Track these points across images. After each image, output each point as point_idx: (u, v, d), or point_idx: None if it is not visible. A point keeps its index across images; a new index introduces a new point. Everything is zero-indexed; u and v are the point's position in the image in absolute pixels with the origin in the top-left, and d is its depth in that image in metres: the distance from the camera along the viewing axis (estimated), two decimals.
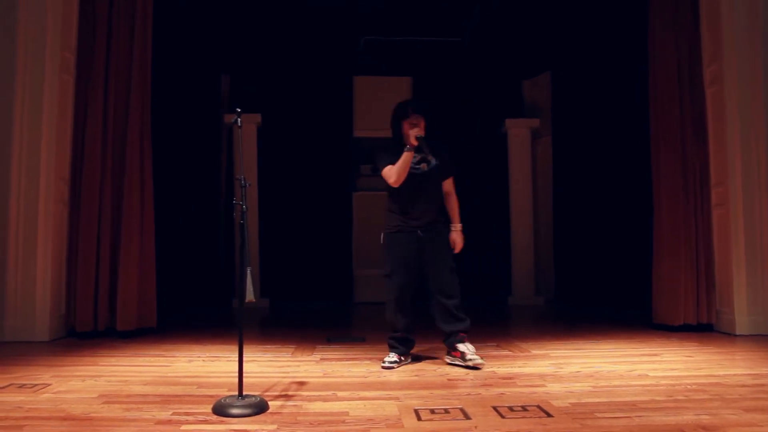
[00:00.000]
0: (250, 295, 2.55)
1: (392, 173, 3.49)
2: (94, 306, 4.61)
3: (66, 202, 4.72)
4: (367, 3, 6.66)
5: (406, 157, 3.43)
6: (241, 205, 2.61)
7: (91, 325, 4.58)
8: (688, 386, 2.92)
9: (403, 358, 3.56)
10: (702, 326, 4.91)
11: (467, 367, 3.39)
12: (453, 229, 3.64)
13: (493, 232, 8.01)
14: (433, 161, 3.57)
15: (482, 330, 5.33)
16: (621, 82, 6.75)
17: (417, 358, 3.72)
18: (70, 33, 4.76)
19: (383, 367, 3.44)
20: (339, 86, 8.23)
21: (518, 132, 8.14)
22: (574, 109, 7.66)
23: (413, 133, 3.47)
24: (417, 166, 3.54)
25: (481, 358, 3.42)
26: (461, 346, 3.48)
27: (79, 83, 4.80)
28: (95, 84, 4.76)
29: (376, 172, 3.71)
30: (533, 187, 8.16)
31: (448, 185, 3.70)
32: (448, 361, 3.57)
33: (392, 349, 3.57)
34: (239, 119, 2.73)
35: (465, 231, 3.68)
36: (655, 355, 3.87)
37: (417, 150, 3.49)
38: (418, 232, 3.52)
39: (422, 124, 3.54)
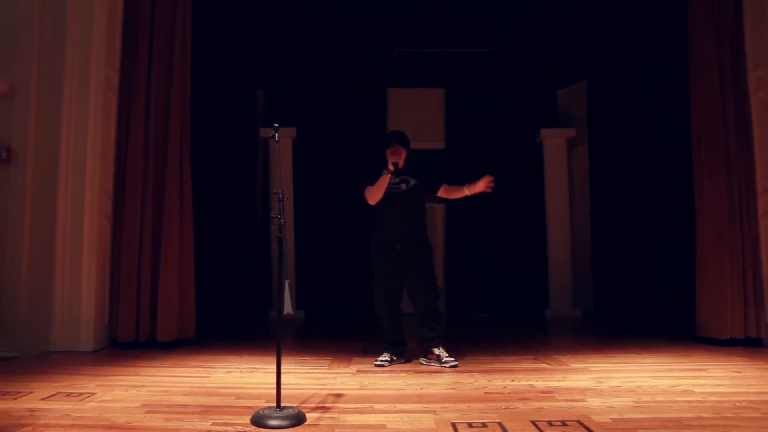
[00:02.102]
0: (288, 308, 2.58)
1: (369, 193, 3.99)
2: (136, 317, 4.72)
3: (109, 216, 4.86)
4: (399, 15, 6.71)
5: (381, 180, 3.91)
6: (279, 219, 2.65)
7: (132, 335, 4.69)
8: (737, 403, 2.81)
9: (395, 358, 3.98)
10: (750, 340, 4.72)
11: (444, 365, 3.81)
12: (469, 187, 3.95)
13: (529, 243, 7.91)
14: (412, 181, 4.02)
15: (519, 343, 5.27)
16: (659, 89, 6.60)
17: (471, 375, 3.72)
18: (113, 52, 4.93)
19: (376, 365, 3.84)
20: (373, 99, 8.29)
21: (554, 142, 8.05)
22: (610, 118, 7.52)
23: (392, 160, 3.92)
24: (397, 186, 3.99)
25: (455, 360, 3.83)
26: (436, 350, 3.91)
27: (122, 101, 4.96)
28: (137, 101, 4.91)
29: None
30: (570, 197, 8.04)
31: (444, 189, 4.12)
32: (423, 362, 3.95)
33: (385, 350, 3.99)
34: (276, 134, 2.79)
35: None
36: (701, 370, 3.75)
37: (395, 174, 3.94)
38: (397, 246, 3.94)
39: (402, 153, 3.97)
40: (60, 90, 4.67)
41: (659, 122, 6.62)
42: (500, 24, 6.83)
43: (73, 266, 4.58)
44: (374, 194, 3.95)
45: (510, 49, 7.39)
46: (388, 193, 3.94)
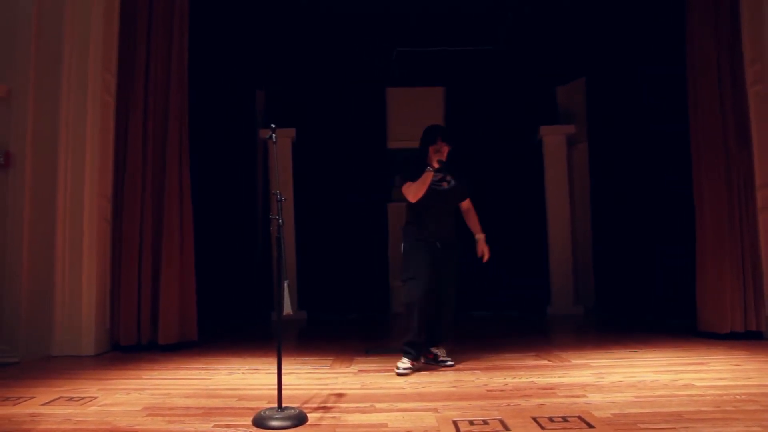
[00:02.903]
0: (287, 308, 2.59)
1: (411, 189, 3.80)
2: (137, 320, 4.73)
3: (109, 220, 4.87)
4: (398, 15, 6.71)
5: (425, 177, 3.72)
6: (278, 220, 2.65)
7: (134, 339, 4.70)
8: (737, 396, 2.81)
9: (415, 363, 3.74)
10: (751, 334, 4.72)
11: (439, 365, 3.82)
12: (478, 239, 3.96)
13: (530, 241, 7.91)
14: (453, 182, 3.92)
15: (520, 340, 5.27)
16: (658, 85, 6.59)
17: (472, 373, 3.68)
18: (110, 55, 4.93)
19: (398, 374, 3.57)
20: (372, 98, 8.28)
21: (553, 139, 8.04)
22: (610, 115, 7.51)
23: (436, 158, 3.81)
24: (439, 184, 3.86)
25: (452, 361, 3.85)
26: (434, 349, 3.90)
27: (119, 104, 4.96)
28: (135, 104, 4.92)
29: (394, 185, 3.97)
30: (570, 194, 8.03)
31: (467, 204, 4.08)
32: (422, 361, 3.87)
33: (406, 354, 3.70)
34: (274, 135, 2.79)
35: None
36: (701, 364, 3.75)
37: (438, 172, 3.81)
38: (437, 244, 3.81)
39: (446, 150, 3.88)
40: (57, 94, 4.67)
41: (658, 119, 6.61)
42: (500, 22, 6.83)
43: (73, 270, 4.58)
44: (417, 191, 3.76)
45: (509, 47, 7.39)
46: (431, 191, 3.79)
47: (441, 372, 3.67)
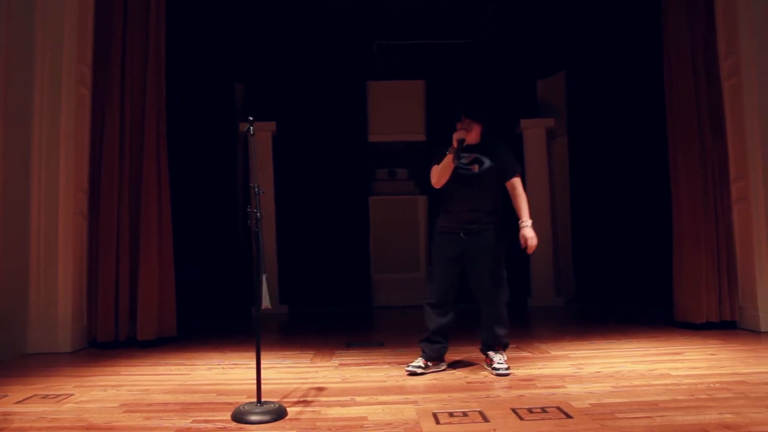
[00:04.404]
0: (266, 302, 2.57)
1: (433, 174, 3.45)
2: (115, 316, 4.66)
3: (85, 214, 4.78)
4: (379, 8, 6.68)
5: (446, 160, 3.33)
6: (255, 213, 2.62)
7: (112, 335, 4.63)
8: (711, 385, 2.87)
9: (430, 364, 3.42)
10: (725, 323, 4.82)
11: (493, 371, 3.34)
12: (521, 225, 3.47)
13: (509, 232, 7.94)
14: (486, 163, 3.43)
15: None
16: (636, 79, 6.66)
17: (452, 365, 3.61)
18: (85, 47, 4.84)
19: (406, 371, 3.36)
20: (353, 92, 8.25)
21: (533, 132, 8.07)
22: (589, 108, 7.58)
23: (456, 136, 3.34)
24: (467, 167, 3.42)
25: (506, 370, 3.32)
26: (491, 354, 3.46)
27: (95, 96, 4.87)
28: (111, 96, 4.83)
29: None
30: (550, 187, 8.08)
31: (511, 184, 3.52)
32: (444, 365, 3.52)
33: (422, 353, 3.45)
34: (252, 127, 2.76)
35: None
36: (678, 353, 3.81)
37: (469, 152, 3.40)
38: (461, 234, 3.42)
39: (474, 127, 3.43)
40: (30, 86, 4.57)
41: (637, 111, 6.68)
42: (480, 15, 6.83)
43: (49, 266, 4.50)
44: (438, 176, 3.39)
45: (490, 41, 7.39)
46: (457, 175, 3.37)
47: (430, 367, 3.61)
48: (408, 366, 3.39)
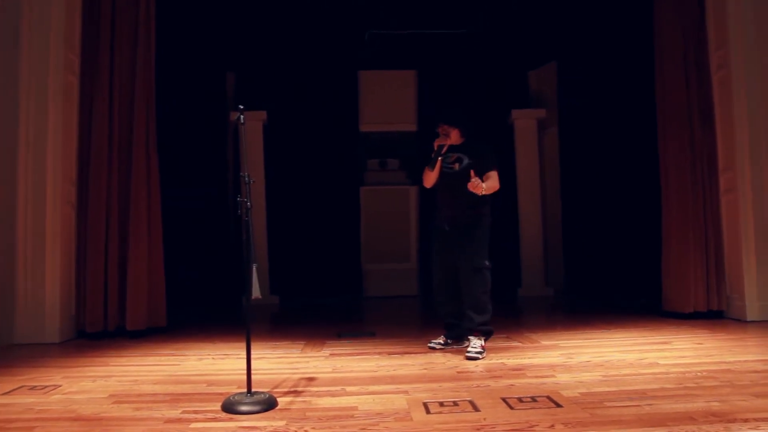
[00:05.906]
0: (256, 292, 2.56)
1: (424, 177, 3.92)
2: (104, 307, 4.63)
3: (73, 204, 4.74)
4: None
5: (431, 162, 3.81)
6: (246, 202, 2.61)
7: (101, 325, 4.60)
8: (699, 373, 2.90)
9: (450, 341, 3.88)
10: (713, 313, 4.87)
11: (466, 356, 3.52)
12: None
13: (501, 224, 7.96)
14: (466, 160, 3.79)
15: (492, 322, 5.32)
16: (627, 70, 6.66)
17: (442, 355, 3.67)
18: (73, 34, 4.77)
19: (429, 347, 3.86)
20: (344, 81, 8.20)
21: (525, 123, 8.08)
22: (580, 99, 7.58)
23: (436, 143, 3.82)
24: (450, 166, 3.83)
25: (477, 354, 3.50)
26: (470, 338, 3.67)
27: (83, 84, 4.81)
28: (100, 84, 4.77)
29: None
30: (541, 177, 8.10)
31: (487, 176, 3.70)
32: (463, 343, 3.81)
33: (443, 332, 3.93)
34: (242, 116, 2.73)
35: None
36: (666, 343, 3.85)
37: (453, 152, 3.82)
38: (445, 226, 3.82)
39: (452, 132, 3.83)
40: (16, 74, 4.50)
41: (627, 103, 6.69)
42: (473, 5, 6.80)
43: (36, 256, 4.45)
44: (426, 177, 3.88)
45: (482, 31, 7.36)
46: (443, 173, 3.84)
47: (413, 354, 3.68)
48: (430, 342, 3.90)
